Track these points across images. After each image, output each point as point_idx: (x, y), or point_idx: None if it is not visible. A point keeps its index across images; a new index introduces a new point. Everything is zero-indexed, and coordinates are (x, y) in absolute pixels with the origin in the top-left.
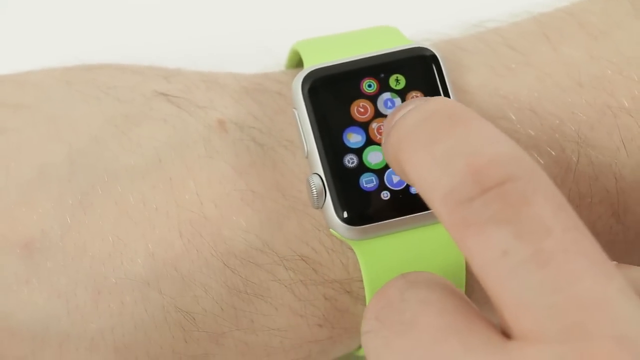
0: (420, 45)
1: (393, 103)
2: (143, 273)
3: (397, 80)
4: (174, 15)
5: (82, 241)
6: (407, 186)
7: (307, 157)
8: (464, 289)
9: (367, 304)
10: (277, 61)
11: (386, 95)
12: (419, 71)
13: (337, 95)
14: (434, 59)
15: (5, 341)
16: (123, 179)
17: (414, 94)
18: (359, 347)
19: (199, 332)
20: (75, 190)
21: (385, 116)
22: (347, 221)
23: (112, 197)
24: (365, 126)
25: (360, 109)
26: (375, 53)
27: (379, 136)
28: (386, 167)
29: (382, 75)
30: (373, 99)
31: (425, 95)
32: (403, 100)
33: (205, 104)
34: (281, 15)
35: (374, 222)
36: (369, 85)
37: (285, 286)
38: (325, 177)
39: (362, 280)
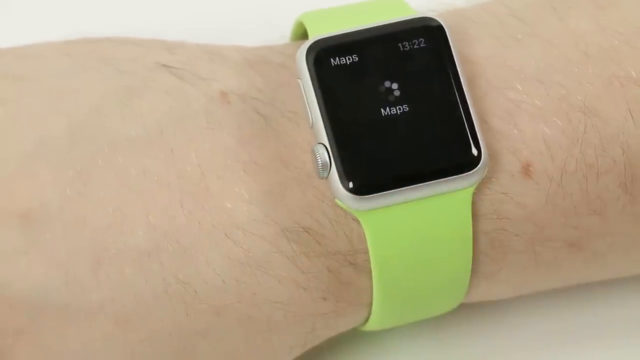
0: (426, 16)
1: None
2: (143, 244)
3: (404, 52)
4: None
5: (81, 212)
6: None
7: (311, 128)
8: (470, 260)
9: (373, 276)
10: (282, 33)
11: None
12: (426, 42)
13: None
14: (440, 29)
15: (4, 312)
16: (124, 150)
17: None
18: (365, 321)
19: (201, 304)
20: (74, 161)
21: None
22: (352, 191)
23: (112, 168)
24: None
25: None
26: (380, 23)
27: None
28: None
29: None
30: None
31: (431, 67)
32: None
33: (208, 75)
34: None
35: (380, 192)
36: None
37: (288, 258)
38: (330, 147)
39: (366, 253)
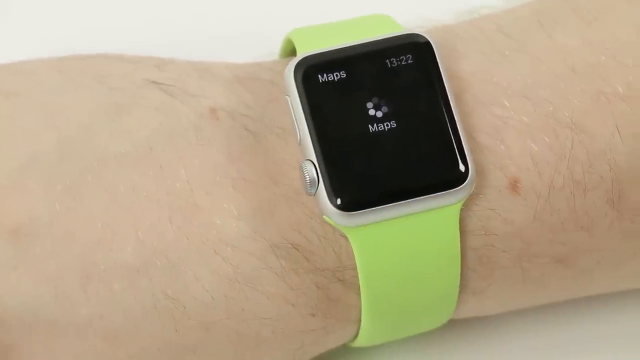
0: (414, 32)
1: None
2: (132, 260)
3: (392, 69)
4: (168, 4)
5: (70, 227)
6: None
7: (299, 144)
8: (459, 276)
9: (361, 292)
10: (271, 50)
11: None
12: (414, 58)
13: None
14: (427, 45)
15: None
16: (113, 166)
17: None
18: (354, 338)
19: (190, 320)
20: (64, 176)
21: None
22: (340, 207)
23: (101, 184)
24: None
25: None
26: (368, 40)
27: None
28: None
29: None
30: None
31: (419, 83)
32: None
33: (197, 92)
34: (274, 4)
35: (367, 208)
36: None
37: (277, 274)
38: (318, 163)
39: (354, 269)
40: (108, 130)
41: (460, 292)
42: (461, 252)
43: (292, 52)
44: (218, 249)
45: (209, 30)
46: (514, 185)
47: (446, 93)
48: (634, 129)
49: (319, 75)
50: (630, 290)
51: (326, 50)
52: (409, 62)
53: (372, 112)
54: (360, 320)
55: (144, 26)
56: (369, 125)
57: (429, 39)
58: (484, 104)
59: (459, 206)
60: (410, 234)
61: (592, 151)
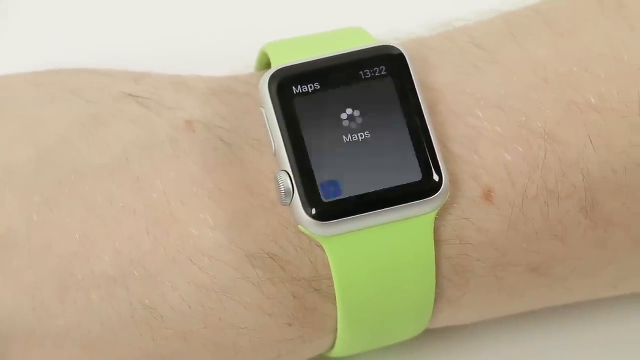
0: (388, 44)
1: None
2: (110, 271)
3: (366, 80)
4: (143, 20)
5: (48, 238)
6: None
7: (275, 155)
8: (434, 286)
9: (337, 302)
10: (247, 64)
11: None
12: (387, 70)
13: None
14: (401, 57)
15: None
16: (90, 177)
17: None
18: (331, 348)
19: (167, 330)
20: (41, 188)
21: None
22: (315, 217)
23: (79, 196)
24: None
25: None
26: (342, 52)
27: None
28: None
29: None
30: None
31: (393, 93)
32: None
33: (173, 105)
34: (249, 18)
35: (342, 218)
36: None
37: (253, 284)
38: (293, 173)
39: (331, 279)
40: (85, 142)
41: (436, 301)
42: (436, 261)
43: (268, 65)
44: (195, 259)
45: (185, 45)
46: (488, 195)
47: (419, 104)
48: (607, 139)
49: (293, 87)
50: (607, 298)
51: (300, 62)
52: (383, 73)
53: (346, 123)
54: (336, 330)
55: (121, 42)
56: (343, 136)
57: (403, 51)
58: (457, 114)
59: (433, 215)
60: (385, 243)
61: (565, 161)
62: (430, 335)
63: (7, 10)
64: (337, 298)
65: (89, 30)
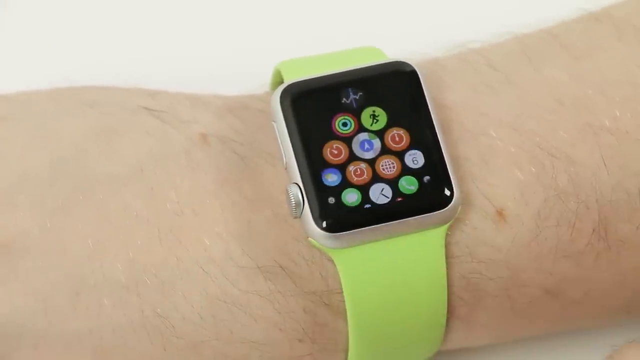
0: (400, 60)
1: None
2: (122, 277)
3: (377, 96)
4: (160, 41)
5: (61, 243)
6: (392, 197)
7: (286, 168)
8: (445, 301)
9: (348, 315)
10: (262, 82)
11: (363, 135)
12: (399, 87)
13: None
14: (413, 74)
15: None
16: (104, 186)
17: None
18: None
19: (178, 339)
20: (56, 194)
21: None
22: (325, 229)
23: (93, 203)
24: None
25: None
26: (354, 67)
27: (354, 178)
28: (370, 182)
29: (361, 92)
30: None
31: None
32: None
33: (189, 118)
34: (267, 38)
35: (353, 230)
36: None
37: (264, 297)
38: (304, 186)
39: (341, 293)
40: (100, 152)
41: (448, 318)
42: (447, 277)
43: (282, 83)
44: (206, 269)
45: (201, 63)
46: (500, 214)
47: (431, 119)
48: (620, 161)
49: (304, 101)
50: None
51: (312, 77)
52: (395, 89)
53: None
54: (347, 350)
55: (137, 62)
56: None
57: (415, 68)
58: (471, 133)
59: (444, 229)
60: (395, 256)
61: (578, 182)
62: (444, 357)
63: (26, 28)
64: (347, 310)
65: (106, 50)
